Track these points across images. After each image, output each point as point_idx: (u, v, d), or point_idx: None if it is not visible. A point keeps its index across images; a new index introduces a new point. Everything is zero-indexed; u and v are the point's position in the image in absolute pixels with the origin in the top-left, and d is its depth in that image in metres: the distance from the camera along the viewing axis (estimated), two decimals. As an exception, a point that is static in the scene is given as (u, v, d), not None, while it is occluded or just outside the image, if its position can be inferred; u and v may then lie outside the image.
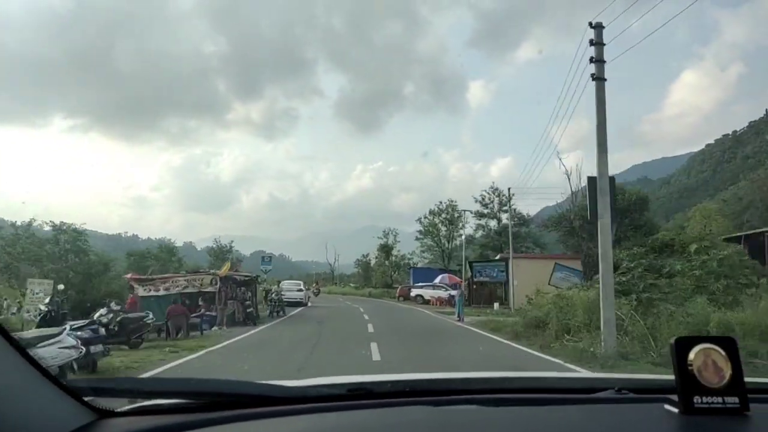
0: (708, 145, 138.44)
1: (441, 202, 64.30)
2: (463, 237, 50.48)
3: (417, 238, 65.94)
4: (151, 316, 14.97)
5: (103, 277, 30.47)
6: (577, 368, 9.87)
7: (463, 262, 40.95)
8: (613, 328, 11.63)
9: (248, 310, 21.08)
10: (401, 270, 68.23)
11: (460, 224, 60.69)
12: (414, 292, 42.90)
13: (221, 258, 49.55)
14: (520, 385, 1.58)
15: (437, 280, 42.68)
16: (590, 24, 12.64)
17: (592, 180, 12.16)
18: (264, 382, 1.39)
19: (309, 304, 36.90)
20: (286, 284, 34.76)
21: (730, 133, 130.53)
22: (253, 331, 18.06)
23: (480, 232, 57.43)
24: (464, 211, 50.37)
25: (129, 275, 21.14)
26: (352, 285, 77.29)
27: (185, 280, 19.99)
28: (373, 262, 74.65)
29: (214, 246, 62.90)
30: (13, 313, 18.86)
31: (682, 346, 1.14)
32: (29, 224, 30.64)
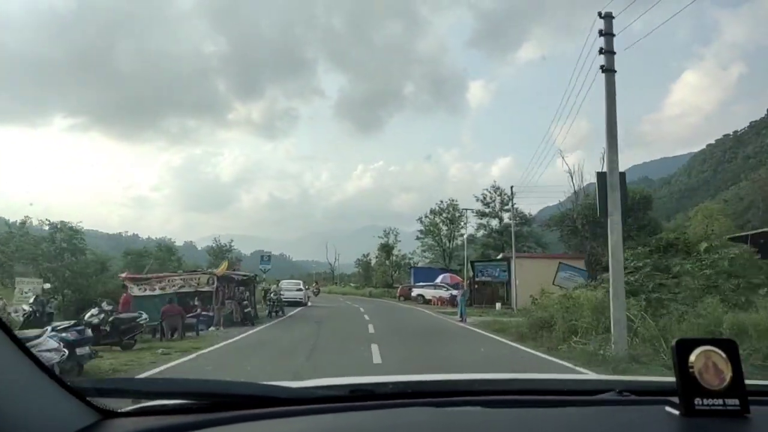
0: (709, 145, 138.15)
1: (442, 201, 63.90)
2: (465, 236, 50.02)
3: (418, 238, 65.53)
4: (144, 316, 14.52)
5: (101, 276, 30.09)
6: (588, 372, 9.41)
7: (465, 262, 40.48)
8: (624, 329, 11.18)
9: (246, 310, 20.61)
10: (402, 270, 67.82)
11: (462, 223, 60.33)
12: (415, 292, 42.49)
13: (221, 257, 49.01)
14: (522, 387, 1.59)
15: (438, 280, 42.23)
16: (599, 14, 12.17)
17: (601, 175, 11.69)
18: (267, 383, 1.39)
19: (309, 303, 36.45)
20: (285, 284, 34.31)
21: (731, 133, 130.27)
22: (250, 332, 17.61)
23: (481, 232, 56.99)
24: (466, 209, 49.79)
25: (124, 274, 20.64)
26: (352, 285, 76.90)
27: (181, 280, 19.50)
28: (373, 261, 74.20)
29: (214, 245, 62.43)
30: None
31: (683, 348, 1.14)
32: (23, 222, 30.17)
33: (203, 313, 18.67)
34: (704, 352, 1.13)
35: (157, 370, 9.92)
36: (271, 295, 25.77)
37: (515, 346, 13.68)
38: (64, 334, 8.37)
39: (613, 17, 12.15)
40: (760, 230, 31.01)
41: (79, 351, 8.41)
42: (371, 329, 17.75)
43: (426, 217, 63.75)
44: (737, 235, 33.79)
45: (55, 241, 30.88)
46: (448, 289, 38.67)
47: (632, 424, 1.25)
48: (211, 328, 18.24)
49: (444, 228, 62.83)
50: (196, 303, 18.31)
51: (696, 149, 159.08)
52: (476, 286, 36.37)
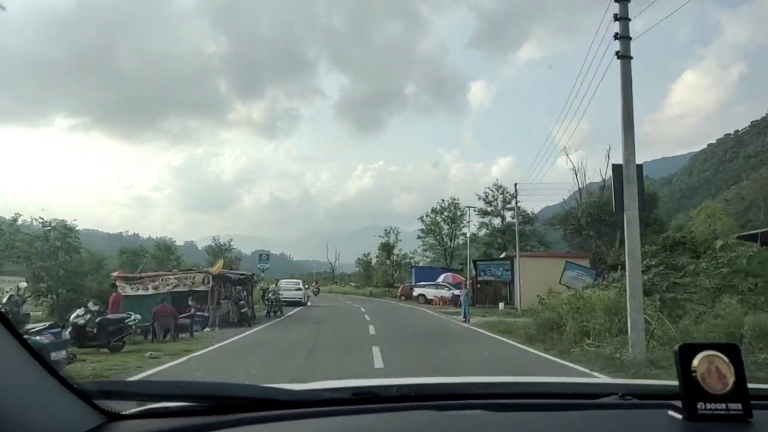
0: (710, 145, 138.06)
1: (443, 200, 63.23)
2: (468, 234, 49.23)
3: (419, 237, 64.90)
4: (133, 317, 13.82)
5: (96, 275, 29.44)
6: (606, 377, 8.72)
7: (468, 261, 39.80)
8: (642, 332, 10.51)
9: (243, 311, 19.91)
10: (402, 269, 67.19)
11: (463, 222, 59.65)
12: (416, 292, 41.87)
13: (220, 257, 48.35)
14: (524, 390, 1.59)
15: (440, 279, 41.55)
16: (615, -4, 11.49)
17: (617, 168, 11.00)
18: (270, 385, 1.40)
19: (308, 303, 35.77)
20: (284, 283, 33.56)
21: (732, 132, 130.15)
22: (246, 333, 16.93)
23: (483, 231, 56.33)
24: (468, 207, 49.03)
25: (115, 273, 19.93)
26: (353, 284, 76.37)
27: (176, 279, 18.80)
28: (374, 261, 73.51)
29: (213, 244, 61.81)
30: None
31: (686, 352, 1.15)
32: (14, 219, 29.51)
33: (198, 313, 18.00)
34: (707, 357, 1.13)
35: (143, 375, 9.25)
36: (270, 294, 25.08)
37: (524, 349, 12.97)
38: (37, 338, 7.69)
39: (629, 0, 11.48)
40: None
41: (54, 356, 7.72)
42: (372, 330, 17.07)
43: (427, 216, 63.17)
44: (746, 233, 33.13)
45: (48, 240, 30.22)
46: (450, 289, 38.04)
47: (635, 428, 1.26)
48: (207, 329, 17.57)
49: (445, 227, 62.22)
50: (191, 303, 17.62)
51: (697, 149, 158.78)
52: (479, 285, 35.67)
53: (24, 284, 15.17)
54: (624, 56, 11.32)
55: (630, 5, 11.52)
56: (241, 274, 23.01)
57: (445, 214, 61.81)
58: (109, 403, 1.22)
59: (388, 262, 68.65)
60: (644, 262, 25.26)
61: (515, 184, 33.29)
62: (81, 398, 1.14)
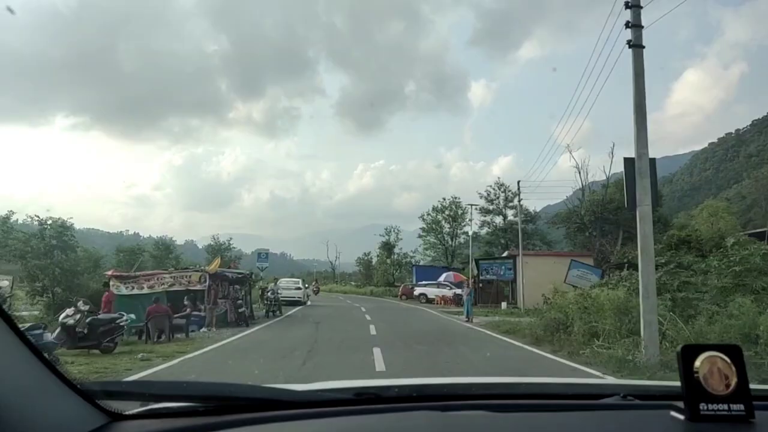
0: (711, 144, 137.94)
1: (444, 199, 62.74)
2: (470, 233, 48.67)
3: (420, 236, 64.41)
4: (125, 317, 13.35)
5: (93, 274, 28.99)
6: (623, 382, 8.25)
7: (470, 259, 39.31)
8: (656, 332, 10.05)
9: (240, 310, 19.42)
10: (403, 268, 66.74)
11: (464, 221, 59.17)
12: (417, 291, 41.47)
13: (221, 257, 47.83)
14: (526, 391, 1.59)
15: (442, 279, 41.10)
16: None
17: (629, 161, 10.51)
18: (272, 386, 1.43)
19: (308, 303, 35.30)
20: (283, 282, 33.05)
21: (733, 131, 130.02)
22: (243, 334, 16.47)
23: (485, 229, 55.83)
24: (471, 205, 48.45)
25: (110, 272, 19.44)
26: (353, 283, 76.04)
27: (171, 278, 18.30)
28: (374, 260, 73.04)
29: (213, 243, 61.33)
30: None
31: (688, 353, 1.15)
32: (6, 217, 29.07)
33: (194, 313, 17.53)
34: (709, 358, 1.13)
35: (132, 378, 8.79)
36: (268, 294, 24.59)
37: (531, 350, 12.48)
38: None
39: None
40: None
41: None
42: (373, 330, 16.59)
43: (428, 214, 62.69)
44: (753, 231, 32.70)
45: (44, 238, 29.78)
46: (451, 288, 37.60)
47: (637, 429, 1.26)
48: (203, 329, 17.11)
49: (446, 226, 61.76)
50: (186, 302, 17.15)
51: (698, 148, 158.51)
52: (481, 284, 35.19)
53: (5, 282, 14.63)
54: (636, 45, 10.84)
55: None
56: (239, 273, 22.52)
57: (446, 212, 61.37)
58: (112, 403, 1.22)
59: (388, 261, 68.19)
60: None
61: (518, 182, 32.80)
62: (84, 398, 1.15)
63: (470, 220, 49.56)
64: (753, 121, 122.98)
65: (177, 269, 20.95)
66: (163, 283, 18.05)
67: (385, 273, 66.56)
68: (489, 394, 1.49)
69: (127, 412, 1.23)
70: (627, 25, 10.93)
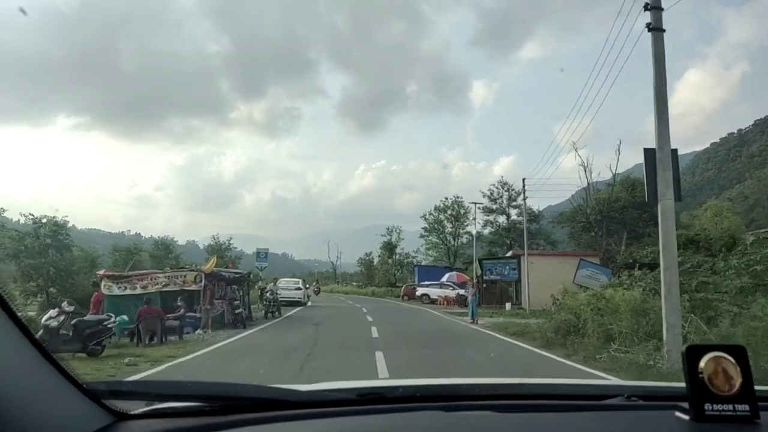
0: (713, 144, 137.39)
1: (446, 198, 62.03)
2: (475, 232, 47.93)
3: (422, 236, 63.71)
4: (113, 318, 12.67)
5: (89, 274, 28.36)
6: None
7: (474, 259, 38.61)
8: (679, 336, 9.36)
9: (237, 311, 18.72)
10: (405, 268, 66.06)
11: (467, 221, 58.50)
12: (420, 291, 40.81)
13: (219, 256, 47.16)
14: (531, 392, 1.59)
15: (444, 279, 40.40)
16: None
17: (649, 152, 9.81)
18: (277, 386, 1.42)
19: (308, 303, 34.61)
20: (283, 282, 32.30)
21: (735, 131, 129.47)
22: (240, 336, 15.78)
23: (488, 229, 55.10)
24: (475, 203, 47.66)
25: (102, 271, 18.75)
26: (354, 284, 75.37)
27: (165, 277, 17.60)
28: (376, 260, 72.34)
29: (213, 243, 60.67)
30: None
31: (693, 353, 1.15)
32: (-4, 215, 28.44)
33: (189, 314, 16.86)
34: (714, 358, 1.13)
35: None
36: (267, 294, 23.90)
37: (543, 355, 11.76)
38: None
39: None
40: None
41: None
42: (375, 333, 15.89)
43: (430, 214, 61.96)
44: (763, 230, 32.00)
45: (39, 237, 29.18)
46: (454, 289, 36.92)
47: (642, 429, 1.26)
48: (198, 331, 16.42)
49: (449, 225, 61.06)
50: (179, 303, 16.46)
51: (700, 148, 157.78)
52: (485, 285, 34.48)
53: None
54: (655, 29, 10.15)
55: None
56: (237, 273, 21.81)
57: (449, 212, 60.67)
58: (118, 402, 1.22)
59: (390, 261, 67.47)
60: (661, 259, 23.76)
61: (523, 179, 32.04)
62: (90, 398, 1.15)
63: (474, 219, 48.76)
64: (755, 121, 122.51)
65: (172, 269, 20.24)
66: (157, 283, 17.36)
67: (387, 273, 65.82)
68: (493, 394, 1.49)
69: (132, 412, 1.23)
70: (646, 7, 10.26)
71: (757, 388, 1.14)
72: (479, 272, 35.40)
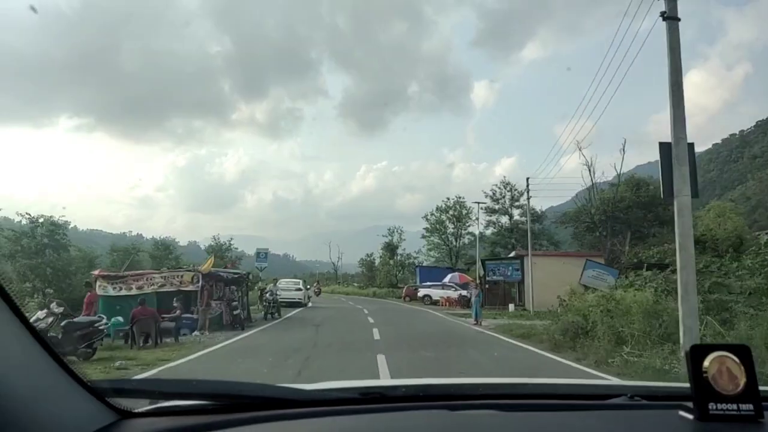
0: (715, 145, 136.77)
1: (448, 198, 61.57)
2: (478, 231, 47.39)
3: (423, 236, 63.25)
4: (105, 320, 12.24)
5: (87, 274, 27.96)
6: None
7: (477, 259, 38.15)
8: (697, 340, 8.89)
9: (235, 312, 18.27)
10: (406, 269, 65.60)
11: (469, 222, 58.02)
12: (422, 292, 40.36)
13: (219, 256, 46.69)
14: (533, 391, 1.59)
15: (447, 280, 39.92)
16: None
17: (665, 146, 9.35)
18: (280, 384, 1.42)
19: (309, 304, 34.16)
20: (283, 283, 31.82)
21: (737, 132, 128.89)
22: (238, 338, 15.33)
23: (490, 229, 54.60)
24: (478, 203, 47.10)
25: (96, 272, 18.29)
26: (355, 285, 74.90)
27: (162, 278, 17.15)
28: (377, 261, 71.87)
29: (213, 243, 60.24)
30: None
31: (697, 353, 1.15)
32: (-9, 214, 28.02)
33: (185, 315, 16.42)
34: (718, 358, 1.13)
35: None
36: (267, 295, 23.45)
37: (552, 358, 11.28)
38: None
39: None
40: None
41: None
42: (376, 335, 15.43)
43: (432, 214, 61.51)
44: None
45: (35, 237, 28.76)
46: (456, 290, 36.45)
47: (646, 428, 1.26)
48: (195, 333, 15.99)
49: (450, 226, 60.60)
50: (175, 304, 16.02)
51: (702, 149, 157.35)
52: (487, 286, 34.02)
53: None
54: (671, 18, 9.72)
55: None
56: (235, 273, 21.35)
57: (451, 212, 60.20)
58: (122, 400, 1.21)
59: (391, 262, 66.99)
60: (668, 260, 23.34)
61: (527, 179, 31.57)
62: (94, 396, 1.15)
63: (476, 218, 48.18)
64: (757, 122, 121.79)
65: (169, 269, 19.79)
66: (153, 284, 16.93)
67: (388, 274, 65.34)
68: (496, 394, 1.48)
69: (136, 410, 1.23)
70: (661, -5, 9.82)
71: (761, 387, 1.13)
72: (481, 273, 34.93)
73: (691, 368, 1.13)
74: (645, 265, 18.69)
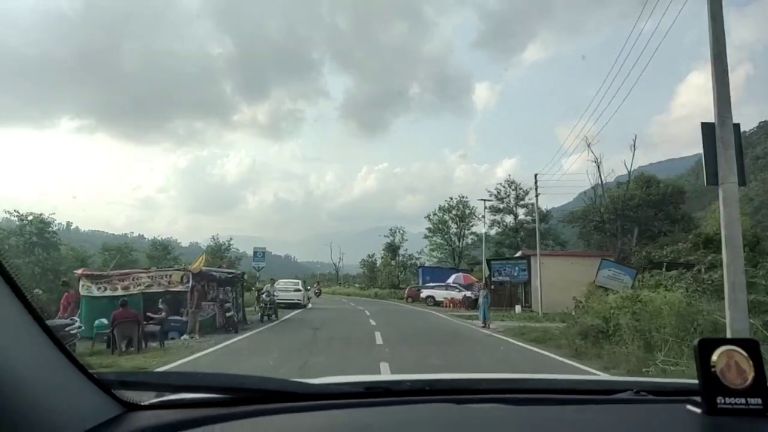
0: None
1: (451, 198, 60.43)
2: (484, 230, 46.12)
3: (426, 236, 62.11)
4: (78, 324, 11.15)
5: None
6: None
7: (483, 259, 37.03)
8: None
9: (228, 314, 17.15)
10: (408, 270, 64.45)
11: (472, 222, 56.89)
12: (425, 293, 39.25)
13: (219, 257, 45.58)
14: (538, 386, 1.59)
15: (451, 280, 38.80)
16: None
17: (708, 127, 8.21)
18: (285, 378, 1.43)
19: (309, 305, 33.05)
20: (281, 283, 30.68)
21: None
22: (230, 342, 14.21)
23: (495, 229, 53.45)
24: (483, 200, 45.89)
25: (80, 271, 17.20)
26: (357, 285, 73.84)
27: (149, 277, 16.03)
28: (378, 262, 70.75)
29: (212, 244, 59.18)
30: None
31: (705, 347, 1.14)
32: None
33: (174, 318, 15.32)
34: (726, 352, 1.12)
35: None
36: (264, 296, 22.32)
37: (576, 367, 10.03)
38: None
39: None
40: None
41: None
42: (379, 339, 14.29)
43: (434, 214, 60.40)
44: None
45: (24, 235, 27.76)
46: (461, 290, 35.34)
47: (653, 422, 1.25)
48: (184, 337, 14.90)
49: (453, 226, 59.44)
50: (161, 306, 14.92)
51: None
52: (492, 286, 32.89)
53: None
54: (712, -18, 8.60)
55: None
56: (229, 273, 20.23)
57: (454, 212, 59.08)
58: (128, 393, 1.22)
59: (393, 262, 65.85)
60: (682, 259, 22.07)
61: (535, 175, 30.37)
62: (100, 388, 1.15)
63: (482, 216, 46.88)
64: (759, 123, 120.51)
65: (158, 268, 18.67)
66: (139, 284, 15.81)
67: (390, 275, 64.19)
68: (501, 388, 1.48)
69: (142, 403, 1.23)
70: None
71: None
72: (487, 273, 33.81)
73: (699, 362, 1.12)
74: (664, 264, 17.55)
